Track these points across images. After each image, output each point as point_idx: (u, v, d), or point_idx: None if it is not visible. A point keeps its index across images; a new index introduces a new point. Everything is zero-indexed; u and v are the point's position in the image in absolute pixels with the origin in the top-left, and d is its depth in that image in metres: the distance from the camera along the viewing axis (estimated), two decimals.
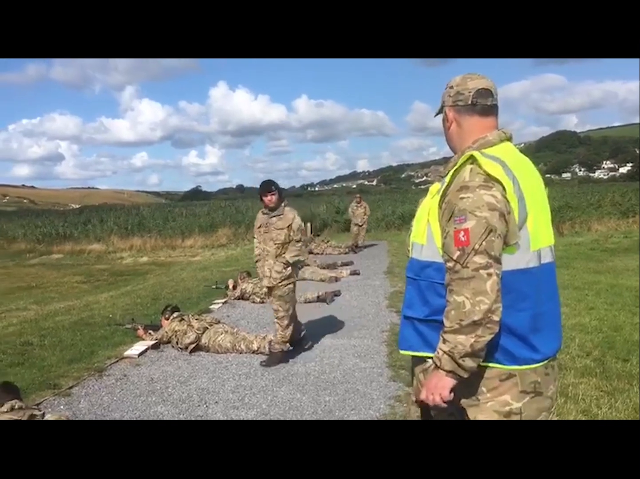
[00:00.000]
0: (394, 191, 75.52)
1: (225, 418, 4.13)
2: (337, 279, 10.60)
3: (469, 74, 1.97)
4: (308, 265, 11.50)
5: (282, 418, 4.09)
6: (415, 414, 2.10)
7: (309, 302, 8.46)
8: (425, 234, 1.87)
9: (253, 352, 5.77)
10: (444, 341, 1.74)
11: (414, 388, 2.07)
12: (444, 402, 1.78)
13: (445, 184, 1.82)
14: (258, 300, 8.66)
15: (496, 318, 1.70)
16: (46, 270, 18.94)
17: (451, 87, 1.96)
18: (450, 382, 1.76)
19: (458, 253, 1.72)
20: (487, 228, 1.70)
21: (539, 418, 1.84)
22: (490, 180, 1.74)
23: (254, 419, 4.10)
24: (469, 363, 1.72)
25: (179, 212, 34.18)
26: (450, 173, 1.82)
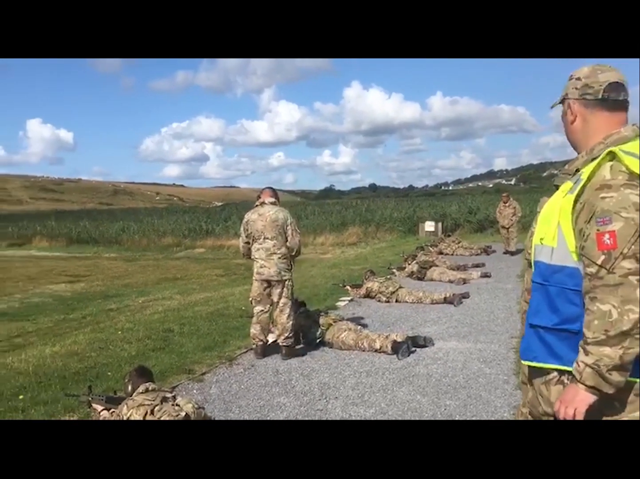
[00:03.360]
0: (534, 190, 71.51)
1: (344, 414, 4.20)
2: (465, 281, 10.30)
3: (597, 65, 1.83)
4: (437, 265, 11.30)
5: (400, 419, 4.07)
6: None
7: (436, 303, 8.32)
8: (556, 236, 1.74)
9: (375, 351, 5.78)
10: (587, 353, 1.61)
11: (528, 400, 1.95)
12: (578, 418, 1.66)
13: (582, 182, 1.69)
14: (384, 299, 8.66)
15: None
16: (190, 263, 20.37)
17: (578, 79, 1.83)
18: (589, 398, 1.64)
19: (603, 257, 1.59)
20: (636, 231, 1.57)
21: None
22: (635, 178, 1.61)
23: (372, 417, 4.12)
24: (617, 377, 1.59)
25: (312, 210, 35.13)
26: (590, 170, 1.69)
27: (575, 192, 1.70)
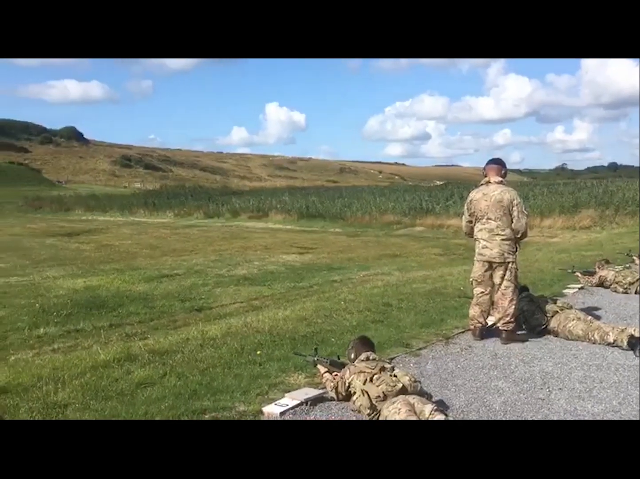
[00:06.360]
0: None
1: (568, 407, 3.93)
2: None
3: None
4: None
5: (634, 419, 3.67)
6: None
7: None
8: None
9: (608, 344, 5.28)
10: None
11: None
12: None
13: None
14: (621, 290, 7.85)
15: None
16: (409, 241, 20.64)
17: None
18: None
19: None
20: None
21: None
22: None
23: (601, 414, 3.78)
24: None
25: (540, 190, 32.85)
26: None
27: None
